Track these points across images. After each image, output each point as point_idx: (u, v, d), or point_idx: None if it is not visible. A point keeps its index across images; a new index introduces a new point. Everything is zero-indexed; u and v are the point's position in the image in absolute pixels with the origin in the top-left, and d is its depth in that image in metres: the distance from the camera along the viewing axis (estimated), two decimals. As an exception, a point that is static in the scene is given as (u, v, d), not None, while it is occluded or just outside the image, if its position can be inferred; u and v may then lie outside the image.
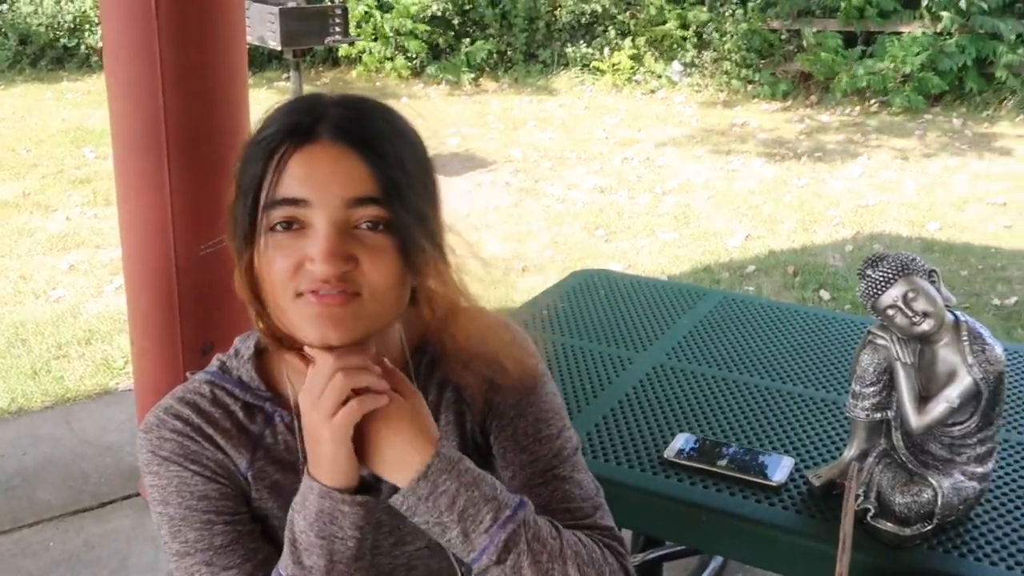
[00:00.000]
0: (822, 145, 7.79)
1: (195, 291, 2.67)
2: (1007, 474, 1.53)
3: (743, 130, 8.33)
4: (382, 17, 9.82)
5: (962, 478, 1.34)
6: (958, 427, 1.34)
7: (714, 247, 5.42)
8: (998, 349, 1.31)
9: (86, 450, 3.24)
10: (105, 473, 3.10)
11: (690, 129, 8.34)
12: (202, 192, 2.59)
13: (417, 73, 10.11)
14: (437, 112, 8.74)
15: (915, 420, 1.33)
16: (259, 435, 1.12)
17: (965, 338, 1.31)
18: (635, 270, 5.05)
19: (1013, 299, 4.66)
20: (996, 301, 4.65)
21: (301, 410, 1.04)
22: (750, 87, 9.45)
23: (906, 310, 1.31)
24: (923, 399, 1.33)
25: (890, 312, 1.32)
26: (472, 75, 9.94)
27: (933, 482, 1.33)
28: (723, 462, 1.49)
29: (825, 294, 4.74)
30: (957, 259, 5.22)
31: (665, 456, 1.50)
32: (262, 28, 5.66)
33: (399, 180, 1.03)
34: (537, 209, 6.10)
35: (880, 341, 1.37)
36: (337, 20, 5.68)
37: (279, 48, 5.70)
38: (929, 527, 1.33)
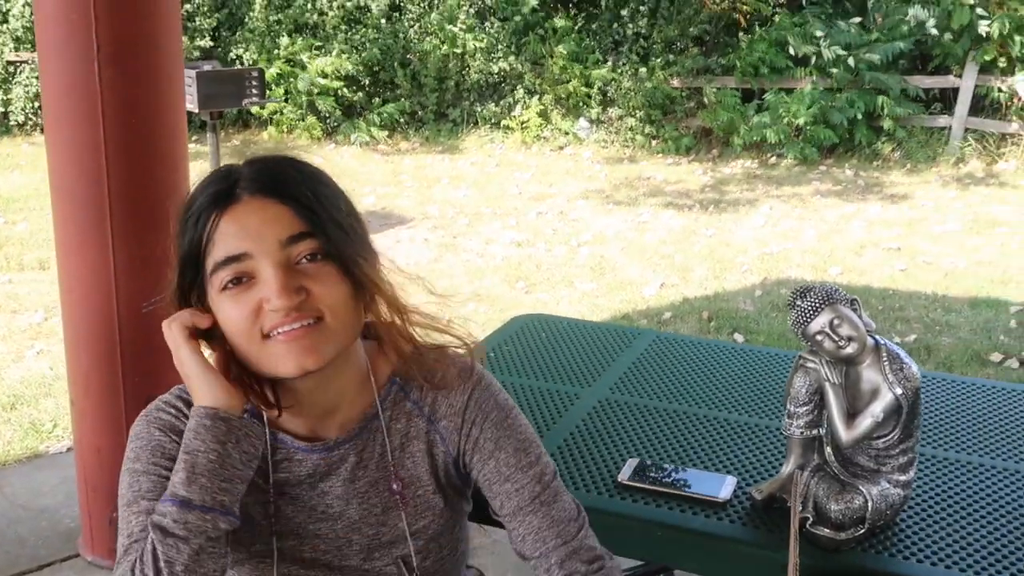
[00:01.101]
0: (726, 197, 8.12)
1: (138, 347, 2.70)
2: (926, 483, 1.69)
3: (650, 183, 8.63)
4: (296, 78, 9.91)
5: (888, 486, 1.49)
6: (882, 440, 1.49)
7: (631, 296, 5.62)
8: (914, 368, 1.47)
9: (20, 514, 3.20)
10: (42, 536, 3.08)
11: (600, 183, 8.61)
12: (144, 250, 2.65)
13: (329, 134, 10.22)
14: (352, 171, 8.84)
15: (844, 435, 1.47)
16: None
17: (885, 359, 1.47)
18: (556, 320, 5.18)
19: (912, 336, 4.94)
20: (897, 339, 4.91)
21: (174, 359, 1.20)
22: (654, 142, 9.81)
23: (832, 335, 1.46)
24: (851, 416, 1.48)
25: (818, 338, 1.48)
26: (385, 134, 10.08)
27: (863, 490, 1.47)
28: (673, 482, 1.62)
29: (739, 336, 4.95)
30: (859, 301, 5.50)
31: (619, 480, 1.62)
32: (180, 91, 5.70)
33: (320, 212, 1.18)
34: (457, 263, 6.23)
35: (811, 364, 1.52)
36: (254, 83, 5.76)
37: (196, 110, 5.75)
38: (862, 531, 1.47)
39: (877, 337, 1.50)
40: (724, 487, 1.61)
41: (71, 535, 3.04)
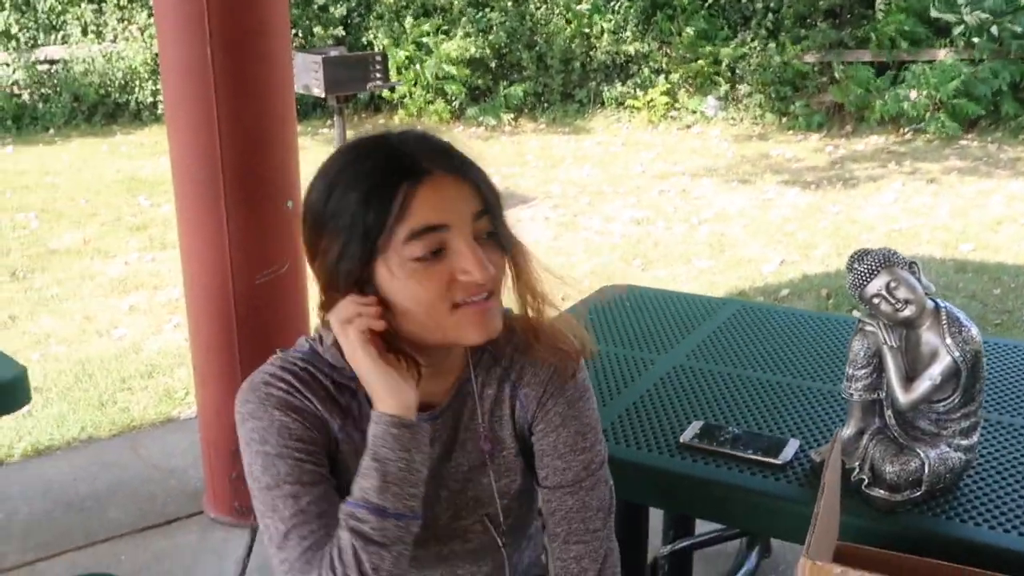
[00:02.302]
0: (856, 173, 7.90)
1: (252, 319, 2.87)
2: (995, 449, 1.66)
3: (778, 160, 8.47)
4: (423, 63, 10.12)
5: (948, 449, 1.48)
6: (942, 403, 1.48)
7: (749, 273, 5.56)
8: (974, 331, 1.45)
9: (152, 473, 3.44)
10: (171, 494, 3.30)
11: (726, 161, 8.49)
12: (256, 228, 2.82)
13: (457, 116, 10.39)
14: (477, 152, 8.94)
15: (903, 397, 1.47)
16: (346, 406, 1.28)
17: (944, 322, 1.46)
18: (671, 297, 5.18)
19: (1045, 314, 4.74)
20: (1028, 317, 4.73)
21: (345, 355, 1.22)
22: (784, 119, 9.60)
23: (889, 298, 1.46)
24: (909, 379, 1.48)
25: (875, 301, 1.48)
26: (511, 116, 10.19)
27: (920, 452, 1.47)
28: (734, 444, 1.64)
29: (857, 314, 4.84)
30: (990, 278, 5.31)
31: (681, 440, 1.66)
32: (307, 77, 5.92)
33: (490, 193, 1.23)
34: (576, 241, 6.28)
35: (868, 328, 1.52)
36: (378, 67, 5.93)
37: (323, 95, 5.95)
38: (918, 493, 1.47)
39: (937, 300, 1.49)
40: (785, 449, 1.62)
41: (197, 494, 3.25)
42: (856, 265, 1.50)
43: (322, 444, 1.25)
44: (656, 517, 2.41)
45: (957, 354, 1.44)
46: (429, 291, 1.18)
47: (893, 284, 1.46)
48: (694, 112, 9.91)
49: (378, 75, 5.98)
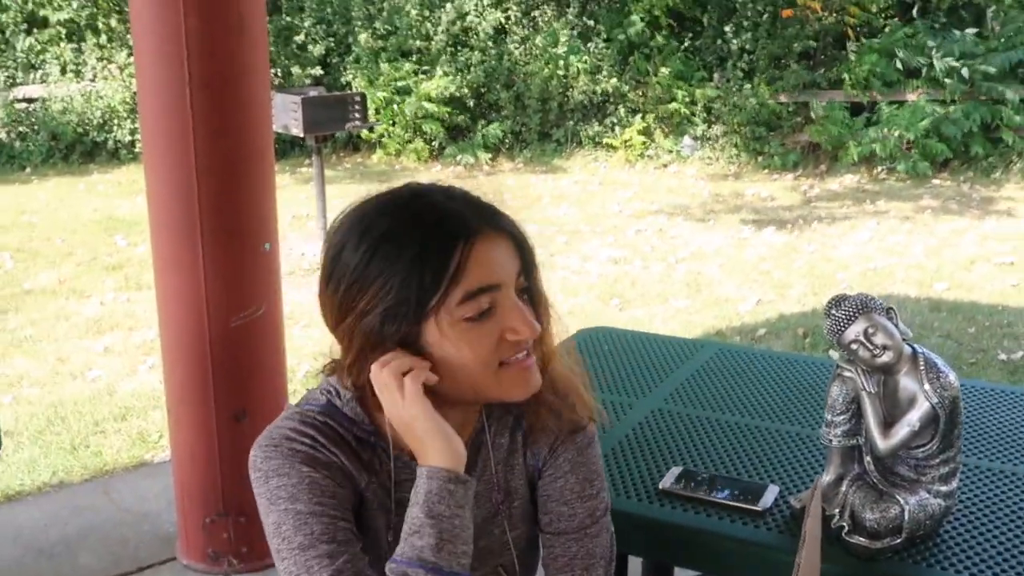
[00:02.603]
0: (831, 212, 7.98)
1: (227, 361, 2.84)
2: (973, 494, 1.66)
3: (754, 200, 8.54)
4: (402, 102, 10.16)
5: (928, 496, 1.48)
6: (921, 449, 1.48)
7: (726, 312, 5.58)
8: (951, 376, 1.46)
9: (125, 518, 3.39)
10: (144, 539, 3.25)
11: (702, 200, 8.56)
12: (232, 270, 2.80)
13: (435, 155, 10.43)
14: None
15: (881, 443, 1.47)
16: (369, 461, 1.27)
17: (922, 367, 1.46)
18: (649, 336, 5.19)
19: (1019, 354, 4.78)
20: (1003, 356, 4.76)
21: (392, 421, 1.20)
22: (760, 159, 9.70)
23: (867, 344, 1.46)
24: (888, 424, 1.48)
25: (853, 347, 1.48)
26: (488, 155, 10.23)
27: (900, 499, 1.46)
28: (714, 491, 1.63)
29: (835, 353, 4.85)
30: (964, 317, 5.35)
31: (661, 487, 1.65)
32: (286, 117, 5.94)
33: (531, 251, 1.25)
34: (553, 281, 6.28)
35: (847, 374, 1.52)
36: (356, 107, 5.96)
37: (302, 135, 5.98)
38: (898, 540, 1.46)
39: (915, 346, 1.50)
40: (765, 496, 1.61)
41: (170, 539, 3.20)
42: (833, 311, 1.51)
43: (350, 501, 1.24)
44: (635, 564, 2.40)
45: (935, 400, 1.44)
46: (480, 351, 1.18)
47: (871, 330, 1.46)
48: (670, 151, 10.00)
49: (357, 115, 6.01)
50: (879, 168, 9.20)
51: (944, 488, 1.49)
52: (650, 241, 7.21)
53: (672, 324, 5.41)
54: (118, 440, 3.99)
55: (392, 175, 9.87)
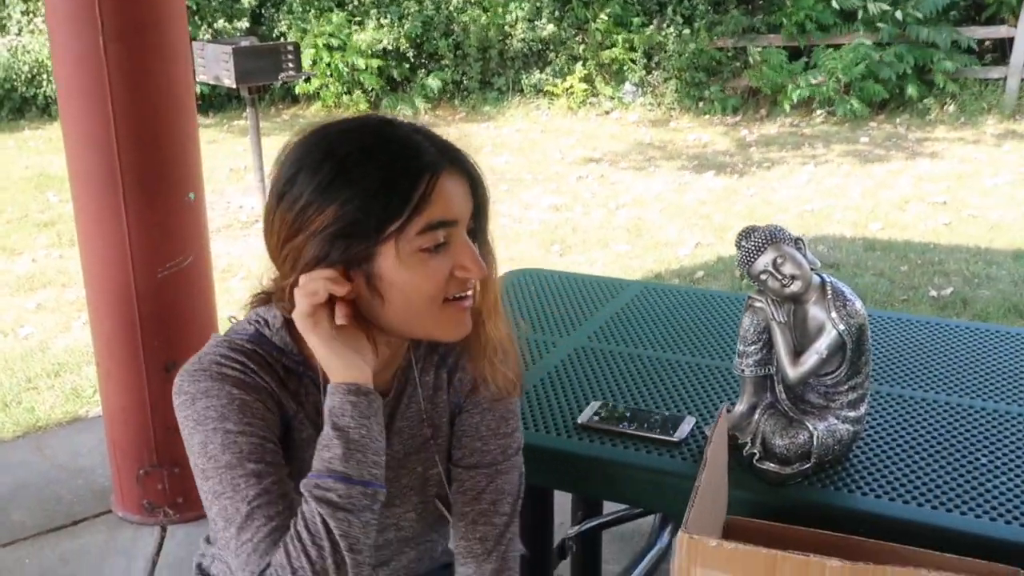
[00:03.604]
0: (770, 156, 8.04)
1: (156, 313, 2.81)
2: (883, 420, 1.70)
3: (694, 145, 8.57)
4: (332, 56, 10.00)
5: (836, 422, 1.51)
6: (829, 376, 1.51)
7: (665, 256, 5.62)
8: (858, 304, 1.48)
9: (58, 474, 3.35)
10: (78, 494, 3.22)
11: (644, 146, 8.57)
12: (157, 222, 2.76)
13: (375, 106, 10.31)
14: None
15: (791, 372, 1.50)
16: (295, 391, 1.27)
17: (830, 296, 1.49)
18: (589, 282, 5.22)
19: (949, 290, 4.87)
20: (933, 293, 4.86)
21: (300, 328, 1.19)
22: (701, 104, 9.72)
23: (776, 274, 1.48)
24: (797, 353, 1.50)
25: (763, 277, 1.50)
26: (429, 106, 10.14)
27: (809, 426, 1.49)
28: (630, 423, 1.65)
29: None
30: (897, 256, 5.44)
31: (579, 421, 1.66)
32: (217, 68, 5.81)
33: (486, 195, 1.25)
34: (493, 229, 6.27)
35: (757, 304, 1.54)
36: (290, 57, 5.84)
37: (234, 86, 5.85)
38: (808, 466, 1.49)
39: (823, 275, 1.52)
40: (681, 426, 1.64)
41: (104, 493, 3.18)
42: (743, 242, 1.52)
43: (278, 427, 1.23)
44: (566, 499, 2.43)
45: (842, 327, 1.46)
46: (431, 283, 1.18)
47: (780, 260, 1.48)
48: (612, 98, 9.98)
49: (290, 65, 5.89)
50: (817, 112, 9.27)
51: (852, 414, 1.53)
52: (591, 188, 7.21)
53: (612, 268, 5.44)
54: (51, 396, 3.94)
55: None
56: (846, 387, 1.51)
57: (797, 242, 1.52)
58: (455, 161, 1.21)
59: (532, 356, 1.95)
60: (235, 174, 7.75)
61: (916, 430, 1.67)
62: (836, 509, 1.45)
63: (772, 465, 1.50)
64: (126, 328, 2.82)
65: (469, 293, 1.23)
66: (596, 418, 1.67)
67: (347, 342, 1.19)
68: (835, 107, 9.07)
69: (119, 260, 2.75)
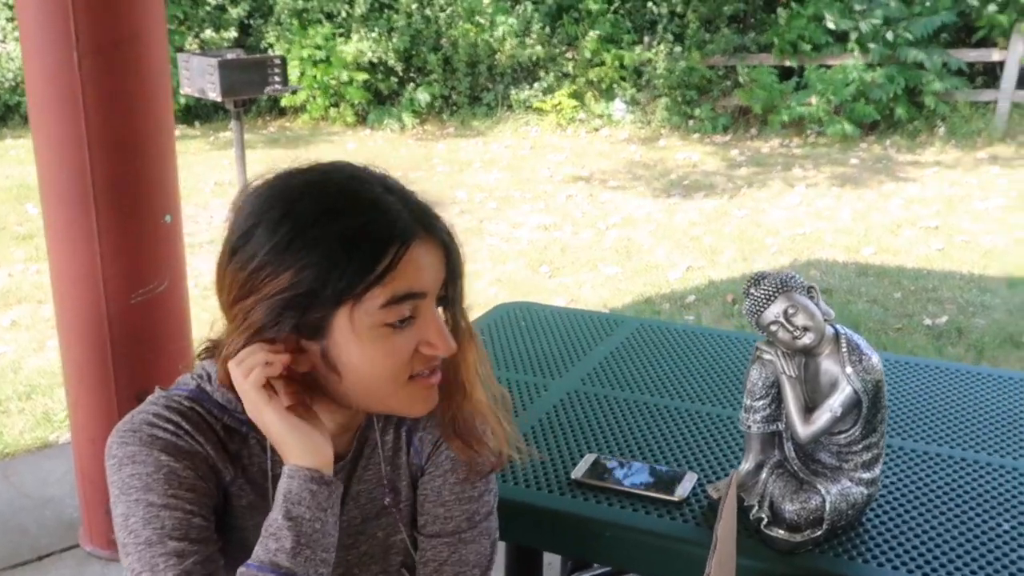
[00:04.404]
0: (761, 176, 7.97)
1: (128, 340, 2.69)
2: (897, 478, 1.60)
3: (685, 164, 8.50)
4: (317, 69, 9.90)
5: (850, 484, 1.41)
6: (843, 435, 1.40)
7: (655, 279, 5.52)
8: (875, 359, 1.38)
9: (25, 503, 3.22)
10: (45, 526, 3.09)
11: (633, 165, 8.50)
12: (131, 244, 2.64)
13: (361, 120, 10.21)
14: (383, 156, 8.82)
15: (802, 430, 1.39)
16: (236, 454, 1.15)
17: (844, 349, 1.38)
18: (578, 304, 5.13)
19: (944, 318, 4.79)
20: (928, 321, 4.78)
21: (249, 414, 1.09)
22: (691, 122, 9.65)
23: (787, 325, 1.38)
24: (809, 410, 1.40)
25: (773, 328, 1.39)
26: (417, 120, 10.05)
27: (821, 489, 1.39)
28: (629, 480, 1.55)
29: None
30: (891, 282, 5.36)
31: (573, 477, 1.56)
32: (202, 80, 5.70)
33: (460, 261, 1.13)
34: (481, 248, 6.17)
35: (767, 356, 1.43)
36: (276, 70, 5.74)
37: (219, 99, 5.74)
38: (819, 532, 1.39)
39: (837, 326, 1.41)
40: (681, 485, 1.53)
41: (73, 525, 3.05)
42: (752, 290, 1.42)
43: (212, 496, 1.11)
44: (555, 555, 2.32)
45: (858, 384, 1.36)
46: (393, 361, 1.08)
47: (791, 310, 1.38)
48: (601, 116, 9.91)
49: (276, 78, 5.79)
50: (808, 132, 9.21)
51: (867, 475, 1.42)
52: (581, 207, 7.12)
53: (602, 291, 5.35)
54: (21, 420, 3.80)
55: (319, 139, 9.64)
56: (860, 446, 1.41)
57: (810, 290, 1.42)
58: (428, 228, 1.09)
59: (522, 400, 1.84)
60: (220, 188, 7.62)
61: (932, 490, 1.57)
62: (849, 580, 1.34)
63: (781, 531, 1.39)
64: (96, 354, 2.70)
65: (436, 367, 1.13)
66: (589, 474, 1.56)
67: (303, 417, 1.09)
68: (825, 127, 9.01)
69: (90, 283, 2.62)
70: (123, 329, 2.68)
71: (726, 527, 1.17)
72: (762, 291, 1.40)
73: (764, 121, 9.40)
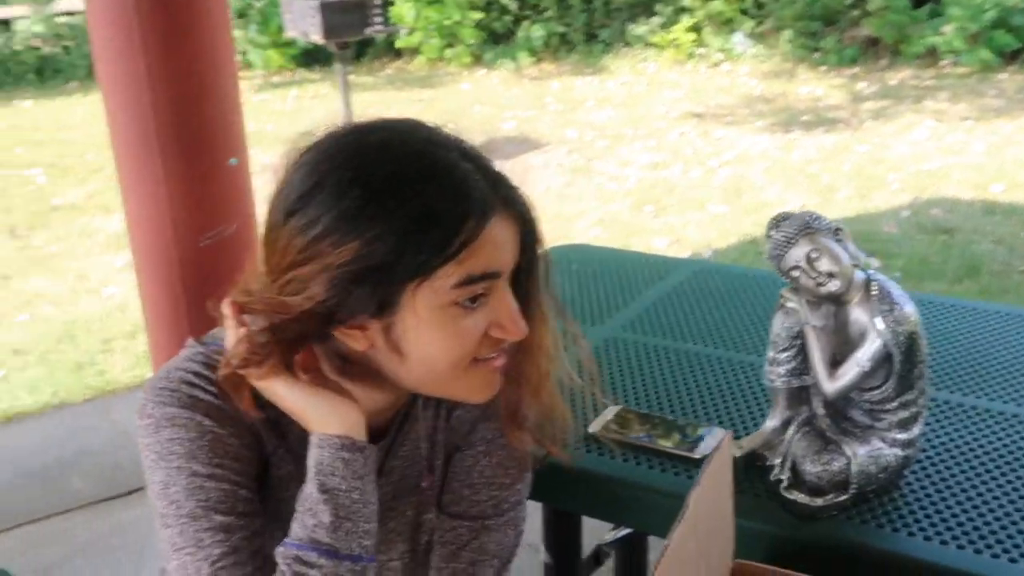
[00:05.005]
0: (889, 110, 7.55)
1: (198, 283, 2.71)
2: (944, 438, 1.45)
3: (807, 98, 8.13)
4: (431, 10, 9.81)
5: (882, 445, 1.28)
6: (876, 391, 1.28)
7: (764, 219, 5.25)
8: (908, 308, 1.24)
9: (123, 441, 3.33)
10: (138, 462, 3.18)
11: (753, 100, 8.18)
12: (196, 187, 2.64)
13: (477, 60, 10.13)
14: (495, 97, 8.73)
15: (827, 385, 1.27)
16: (275, 420, 1.08)
17: (875, 297, 1.25)
18: (681, 244, 4.98)
19: (1077, 260, 4.45)
20: (1059, 263, 4.45)
21: (261, 392, 1.03)
22: (816, 55, 9.22)
23: (810, 271, 1.25)
24: (837, 363, 1.28)
25: (794, 273, 1.27)
26: (532, 59, 9.91)
27: (847, 450, 1.27)
28: (648, 436, 1.46)
29: (875, 262, 4.58)
30: (1019, 221, 5.01)
31: (589, 431, 1.47)
32: (304, 22, 5.73)
33: (538, 238, 1.04)
34: (588, 188, 6.05)
35: (790, 304, 1.31)
36: (376, 10, 5.71)
37: (322, 41, 5.76)
38: (845, 497, 1.27)
39: (869, 272, 1.28)
40: (705, 442, 1.43)
41: (161, 463, 3.14)
42: (772, 232, 1.30)
43: (255, 466, 1.06)
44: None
45: (888, 336, 1.23)
46: (461, 343, 0.99)
47: (814, 254, 1.25)
48: (721, 50, 9.56)
49: (377, 19, 5.77)
50: (942, 62, 8.67)
51: (903, 436, 1.29)
52: (693, 144, 6.90)
53: (707, 231, 5.18)
54: (124, 359, 3.93)
55: (434, 81, 9.61)
56: (895, 404, 1.28)
57: (837, 232, 1.28)
58: (507, 201, 0.99)
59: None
60: (332, 130, 7.69)
61: (983, 451, 1.42)
62: (876, 552, 1.22)
63: (801, 495, 1.28)
64: (169, 298, 2.73)
65: (504, 350, 1.04)
66: (609, 427, 1.48)
67: (324, 391, 1.02)
68: (961, 57, 8.46)
69: (160, 228, 2.64)
70: (194, 272, 2.70)
71: (709, 494, 1.08)
72: (783, 233, 1.28)
73: (895, 52, 8.89)
